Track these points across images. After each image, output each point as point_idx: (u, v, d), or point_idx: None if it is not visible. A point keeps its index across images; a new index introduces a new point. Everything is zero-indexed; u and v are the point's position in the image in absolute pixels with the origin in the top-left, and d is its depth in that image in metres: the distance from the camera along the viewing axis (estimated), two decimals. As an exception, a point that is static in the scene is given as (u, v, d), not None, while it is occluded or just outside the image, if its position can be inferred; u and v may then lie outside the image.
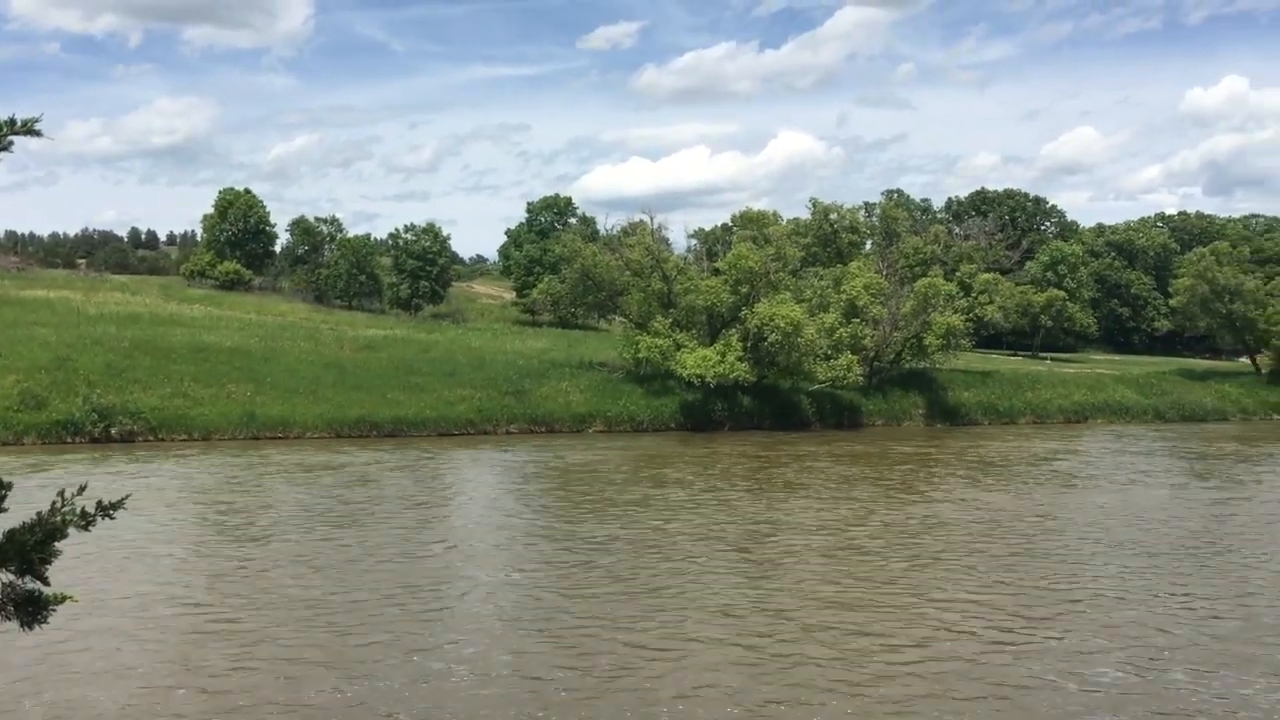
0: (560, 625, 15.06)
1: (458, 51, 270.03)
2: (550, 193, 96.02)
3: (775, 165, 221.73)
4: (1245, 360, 63.20)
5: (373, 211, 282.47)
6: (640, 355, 43.81)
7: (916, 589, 17.46)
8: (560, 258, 51.87)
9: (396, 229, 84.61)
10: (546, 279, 58.49)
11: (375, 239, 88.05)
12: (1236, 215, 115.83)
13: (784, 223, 64.41)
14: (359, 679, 12.85)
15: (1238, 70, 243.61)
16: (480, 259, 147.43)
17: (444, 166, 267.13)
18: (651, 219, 50.17)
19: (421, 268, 78.87)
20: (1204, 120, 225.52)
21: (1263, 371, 59.18)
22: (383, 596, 16.39)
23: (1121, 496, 27.54)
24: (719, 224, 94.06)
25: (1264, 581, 18.47)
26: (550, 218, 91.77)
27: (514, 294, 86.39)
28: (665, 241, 50.37)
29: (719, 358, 42.16)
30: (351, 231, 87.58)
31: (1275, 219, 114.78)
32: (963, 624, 15.41)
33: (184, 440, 33.93)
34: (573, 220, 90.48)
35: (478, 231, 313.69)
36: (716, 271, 48.69)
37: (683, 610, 15.96)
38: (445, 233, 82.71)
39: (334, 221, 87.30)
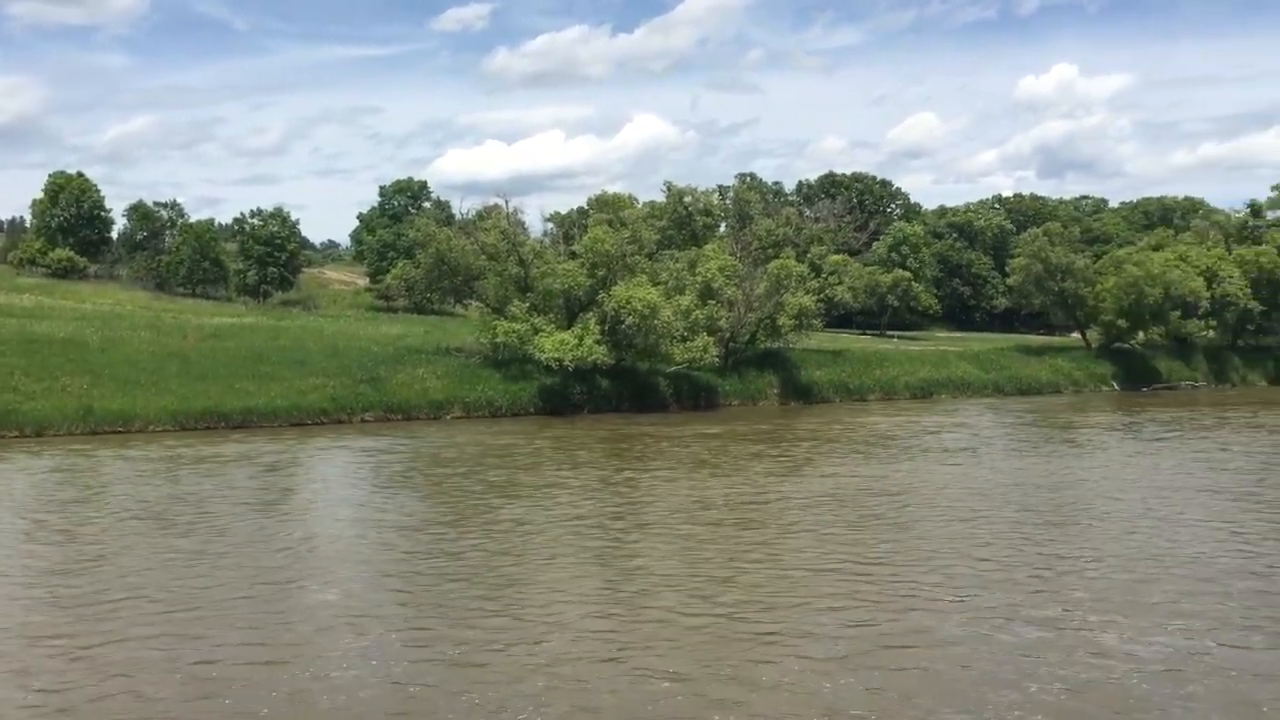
0: (418, 618, 14.89)
1: (304, 31, 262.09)
2: (404, 176, 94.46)
3: (630, 149, 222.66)
4: (1076, 335, 66.50)
5: (217, 196, 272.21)
6: (498, 340, 43.56)
7: (782, 557, 17.86)
8: (415, 242, 51.02)
9: (242, 214, 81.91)
10: (401, 264, 57.49)
11: (220, 224, 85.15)
12: (1068, 197, 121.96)
13: (640, 206, 64.81)
14: (203, 681, 12.47)
15: (1068, 59, 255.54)
16: (332, 244, 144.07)
17: (292, 149, 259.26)
18: (507, 202, 49.92)
19: (269, 253, 76.49)
20: (1037, 107, 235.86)
21: (1092, 346, 62.43)
22: (228, 597, 15.87)
23: (966, 468, 28.73)
24: (575, 207, 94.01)
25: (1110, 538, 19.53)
26: (404, 202, 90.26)
27: (368, 280, 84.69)
28: (521, 225, 50.15)
29: (577, 341, 42.24)
30: (194, 216, 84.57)
31: (1103, 200, 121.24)
32: (827, 589, 15.86)
33: (15, 436, 32.22)
34: (427, 204, 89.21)
35: (329, 216, 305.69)
36: (573, 255, 48.74)
37: (550, 594, 15.97)
38: (294, 217, 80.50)
39: (175, 206, 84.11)
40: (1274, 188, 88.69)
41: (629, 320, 42.48)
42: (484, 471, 27.68)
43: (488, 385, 42.18)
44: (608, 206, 62.07)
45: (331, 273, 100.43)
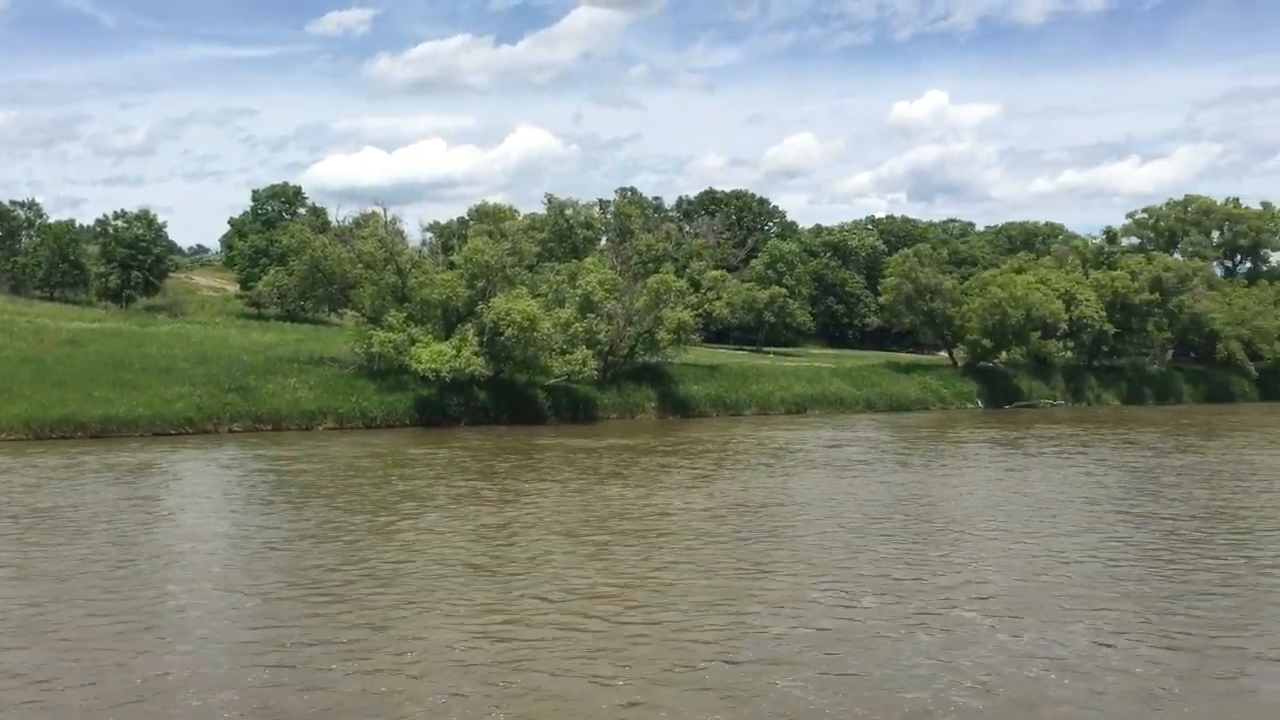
0: (289, 639, 14.48)
1: (175, 29, 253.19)
2: (278, 181, 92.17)
3: (512, 160, 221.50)
4: (944, 354, 68.58)
5: (79, 196, 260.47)
6: (373, 350, 42.82)
7: (667, 573, 17.92)
8: (288, 249, 49.78)
9: (105, 215, 78.60)
10: (273, 271, 56.03)
11: (81, 225, 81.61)
12: (937, 220, 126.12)
13: (520, 217, 64.62)
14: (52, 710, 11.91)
15: (939, 86, 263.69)
16: (201, 249, 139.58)
17: (161, 150, 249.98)
18: (385, 210, 49.17)
19: (133, 257, 73.59)
20: (909, 131, 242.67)
21: (958, 364, 64.50)
22: (82, 615, 15.20)
23: (849, 481, 29.30)
24: (455, 218, 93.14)
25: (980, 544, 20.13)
26: (278, 207, 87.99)
27: (238, 286, 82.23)
28: (400, 234, 49.47)
29: (454, 352, 41.81)
30: (53, 217, 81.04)
31: (970, 224, 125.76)
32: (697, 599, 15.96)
33: None
34: (302, 210, 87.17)
35: (198, 220, 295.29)
36: (452, 265, 48.29)
37: (427, 613, 15.71)
38: (161, 220, 77.67)
39: (33, 206, 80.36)
40: (1128, 215, 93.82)
41: (508, 332, 42.25)
42: (350, 483, 27.12)
43: (362, 396, 41.43)
44: (488, 217, 61.66)
45: (200, 278, 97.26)
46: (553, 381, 45.43)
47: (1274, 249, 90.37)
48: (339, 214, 55.84)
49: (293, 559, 18.79)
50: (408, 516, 22.80)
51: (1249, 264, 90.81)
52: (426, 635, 14.41)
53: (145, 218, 76.39)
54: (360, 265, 46.50)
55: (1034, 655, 13.85)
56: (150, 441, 34.32)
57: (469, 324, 44.03)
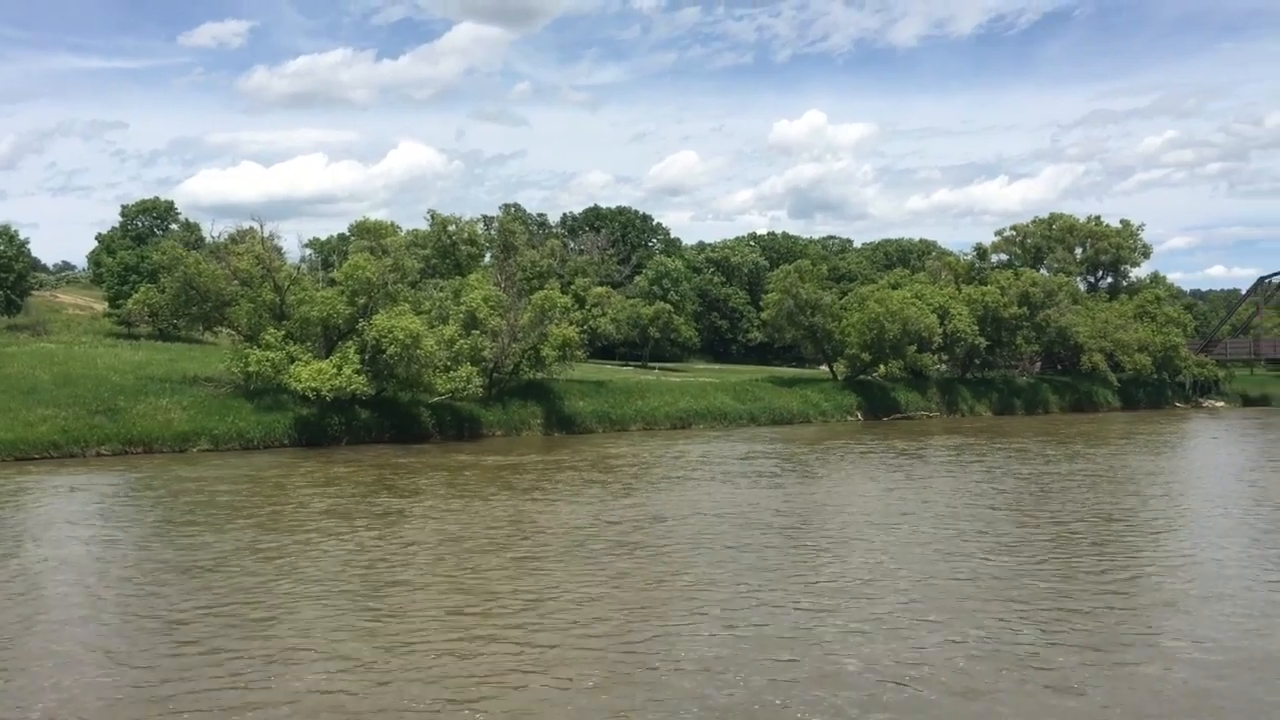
0: (154, 674, 14.03)
1: (41, 38, 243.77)
2: (150, 196, 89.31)
3: (395, 176, 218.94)
4: (824, 368, 70.00)
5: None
6: (250, 369, 41.74)
7: (534, 589, 17.86)
8: (160, 265, 48.20)
9: (-38, 231, 74.99)
10: (144, 288, 54.21)
11: (-65, 241, 77.59)
12: (816, 236, 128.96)
13: (403, 233, 63.90)
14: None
15: (818, 106, 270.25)
16: (67, 266, 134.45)
17: (24, 164, 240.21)
18: (262, 226, 47.97)
19: (-7, 274, 70.37)
20: (789, 150, 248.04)
21: (839, 378, 65.87)
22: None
23: (734, 493, 29.64)
24: (336, 234, 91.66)
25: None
26: (149, 222, 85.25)
27: (106, 304, 79.31)
28: (278, 250, 48.33)
29: (335, 371, 41.06)
30: (-95, 232, 76.78)
31: (848, 241, 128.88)
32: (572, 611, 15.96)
33: None
34: (174, 226, 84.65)
35: (65, 236, 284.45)
36: (333, 282, 47.44)
37: (296, 637, 15.38)
38: (24, 236, 74.44)
39: (-117, 221, 76.23)
40: (997, 233, 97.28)
41: (390, 350, 41.69)
42: (219, 506, 26.39)
43: (238, 416, 40.35)
44: (369, 233, 60.77)
45: (66, 296, 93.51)
46: (437, 399, 44.96)
47: (1133, 265, 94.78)
48: (214, 230, 54.16)
49: (148, 592, 18.18)
50: (285, 538, 22.27)
51: (1110, 279, 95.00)
52: (299, 675, 14.09)
53: (6, 233, 73.12)
54: (236, 282, 45.33)
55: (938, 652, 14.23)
56: (9, 466, 32.82)
57: (350, 342, 43.28)
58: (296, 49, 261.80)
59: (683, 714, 12.23)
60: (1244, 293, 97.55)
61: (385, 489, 30.08)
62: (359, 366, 41.66)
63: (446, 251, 62.46)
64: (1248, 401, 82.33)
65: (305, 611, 16.55)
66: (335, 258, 64.11)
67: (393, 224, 64.93)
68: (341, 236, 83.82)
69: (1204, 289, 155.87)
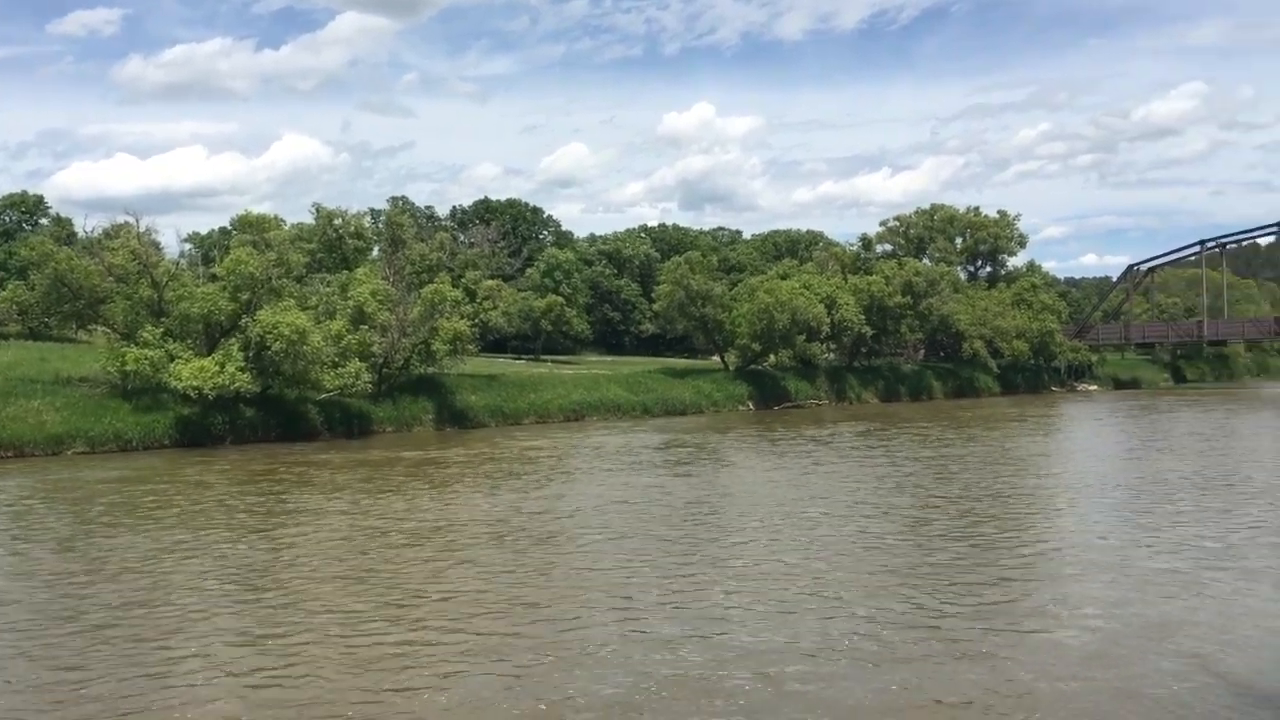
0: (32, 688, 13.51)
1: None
2: (17, 190, 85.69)
3: (279, 168, 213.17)
4: (716, 359, 70.74)
5: None
6: (128, 368, 40.31)
7: (427, 589, 17.69)
8: (29, 262, 46.25)
9: None
10: (12, 285, 51.99)
11: None
12: (706, 228, 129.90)
13: (287, 227, 62.55)
14: None
15: (707, 98, 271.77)
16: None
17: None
18: (138, 220, 46.36)
19: None
20: (679, 142, 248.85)
21: (730, 368, 66.64)
22: None
23: (615, 484, 29.74)
24: (217, 228, 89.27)
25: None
26: (17, 217, 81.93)
27: (-29, 303, 75.86)
28: (155, 245, 46.86)
29: (218, 368, 39.99)
30: None
31: (738, 232, 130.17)
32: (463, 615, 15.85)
33: None
34: (44, 220, 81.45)
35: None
36: (214, 277, 46.18)
37: (190, 650, 14.96)
38: (-122, 232, 70.86)
39: None
40: (881, 224, 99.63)
41: (275, 346, 40.75)
42: (95, 511, 25.51)
43: (116, 417, 38.99)
44: (252, 227, 59.31)
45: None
46: (325, 396, 44.14)
47: (1010, 254, 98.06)
48: (87, 224, 52.53)
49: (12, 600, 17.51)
50: (166, 541, 21.63)
51: (989, 268, 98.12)
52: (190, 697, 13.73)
53: None
54: (111, 279, 43.76)
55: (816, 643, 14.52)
56: None
57: (233, 339, 42.19)
58: (173, 38, 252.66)
59: (592, 698, 12.27)
60: (1115, 280, 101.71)
61: (269, 488, 29.42)
62: (243, 364, 40.64)
63: (333, 245, 61.36)
64: (1119, 385, 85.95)
65: (187, 619, 16.12)
66: (216, 252, 62.35)
67: (276, 217, 63.58)
68: (223, 231, 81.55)
69: (1077, 277, 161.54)
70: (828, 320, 66.52)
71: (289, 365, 41.44)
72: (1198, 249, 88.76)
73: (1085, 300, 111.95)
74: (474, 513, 25.19)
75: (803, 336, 65.41)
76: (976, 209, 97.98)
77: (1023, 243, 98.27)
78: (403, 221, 64.64)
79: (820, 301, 66.95)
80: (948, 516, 24.27)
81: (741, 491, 28.95)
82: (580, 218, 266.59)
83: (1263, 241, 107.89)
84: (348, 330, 45.87)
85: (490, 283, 64.72)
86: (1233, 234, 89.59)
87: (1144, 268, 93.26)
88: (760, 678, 13.05)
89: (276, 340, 40.64)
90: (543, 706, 12.20)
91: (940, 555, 20.05)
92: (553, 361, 75.50)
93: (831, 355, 72.65)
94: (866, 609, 16.14)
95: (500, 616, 16.00)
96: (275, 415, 42.69)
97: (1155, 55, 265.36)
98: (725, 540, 21.83)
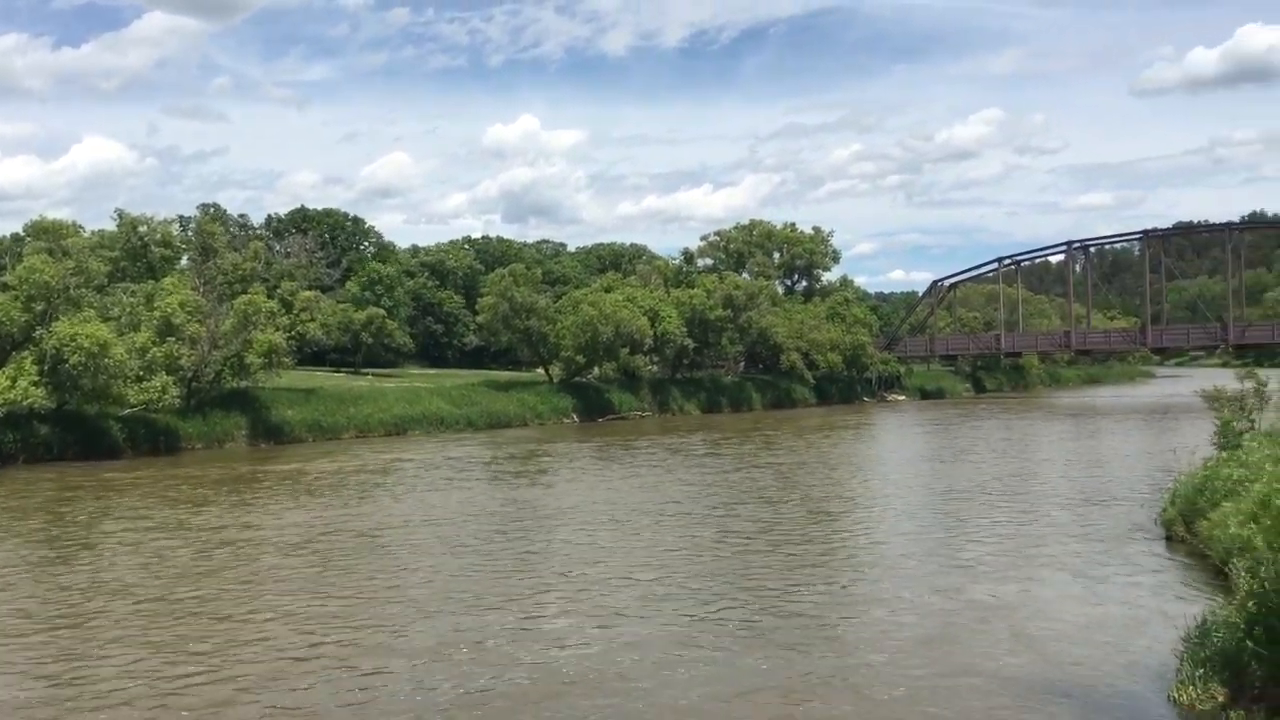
0: None
1: None
2: None
3: (79, 172, 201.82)
4: (540, 371, 70.63)
5: None
6: (-95, 383, 37.42)
7: (234, 610, 17.05)
8: None
9: None
10: None
11: None
12: (531, 240, 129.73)
13: (87, 234, 59.32)
14: None
15: (532, 111, 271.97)
16: None
17: None
18: (-83, 225, 43.11)
19: None
20: (503, 154, 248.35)
21: (554, 380, 66.66)
22: None
23: (437, 499, 29.32)
24: (9, 234, 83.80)
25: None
26: None
27: None
28: (-64, 251, 43.67)
29: (9, 383, 37.59)
30: None
31: (562, 245, 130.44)
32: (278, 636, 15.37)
33: None
34: None
35: None
36: (5, 286, 43.34)
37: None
38: None
39: None
40: (702, 238, 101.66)
41: (74, 359, 38.53)
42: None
43: (-109, 436, 36.13)
44: (48, 234, 55.93)
45: None
46: (129, 412, 41.98)
47: (824, 269, 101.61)
48: None
49: None
50: (-48, 570, 20.16)
51: (805, 283, 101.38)
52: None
53: None
54: (-115, 287, 40.58)
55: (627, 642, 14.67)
56: None
57: (27, 351, 39.71)
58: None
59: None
60: (920, 295, 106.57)
61: (59, 513, 27.79)
62: (36, 378, 38.31)
63: (137, 254, 58.43)
64: (925, 395, 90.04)
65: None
66: (8, 260, 58.57)
67: (75, 224, 60.18)
68: (15, 237, 76.54)
69: (886, 291, 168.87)
70: (651, 333, 67.36)
71: (89, 379, 39.26)
72: (995, 266, 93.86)
73: (894, 314, 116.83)
74: (280, 532, 24.41)
75: (626, 349, 66.03)
76: (793, 225, 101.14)
77: (836, 258, 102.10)
78: (214, 230, 61.99)
79: (643, 314, 67.74)
80: (781, 519, 25.31)
81: (564, 503, 28.98)
82: (402, 228, 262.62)
83: (1053, 259, 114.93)
84: (154, 342, 43.79)
85: (307, 294, 62.94)
86: (1026, 252, 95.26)
87: (947, 283, 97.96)
88: (595, 673, 13.13)
89: (75, 353, 38.46)
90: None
91: (778, 554, 21.01)
92: (374, 375, 73.79)
93: (654, 368, 73.60)
94: (710, 607, 16.78)
95: (308, 632, 15.59)
96: (73, 432, 40.34)
97: (957, 82, 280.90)
98: (561, 550, 21.85)
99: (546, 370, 68.48)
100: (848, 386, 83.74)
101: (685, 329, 70.80)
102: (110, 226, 61.68)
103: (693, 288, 77.28)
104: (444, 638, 15.35)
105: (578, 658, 14.22)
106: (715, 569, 19.79)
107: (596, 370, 67.75)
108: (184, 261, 61.80)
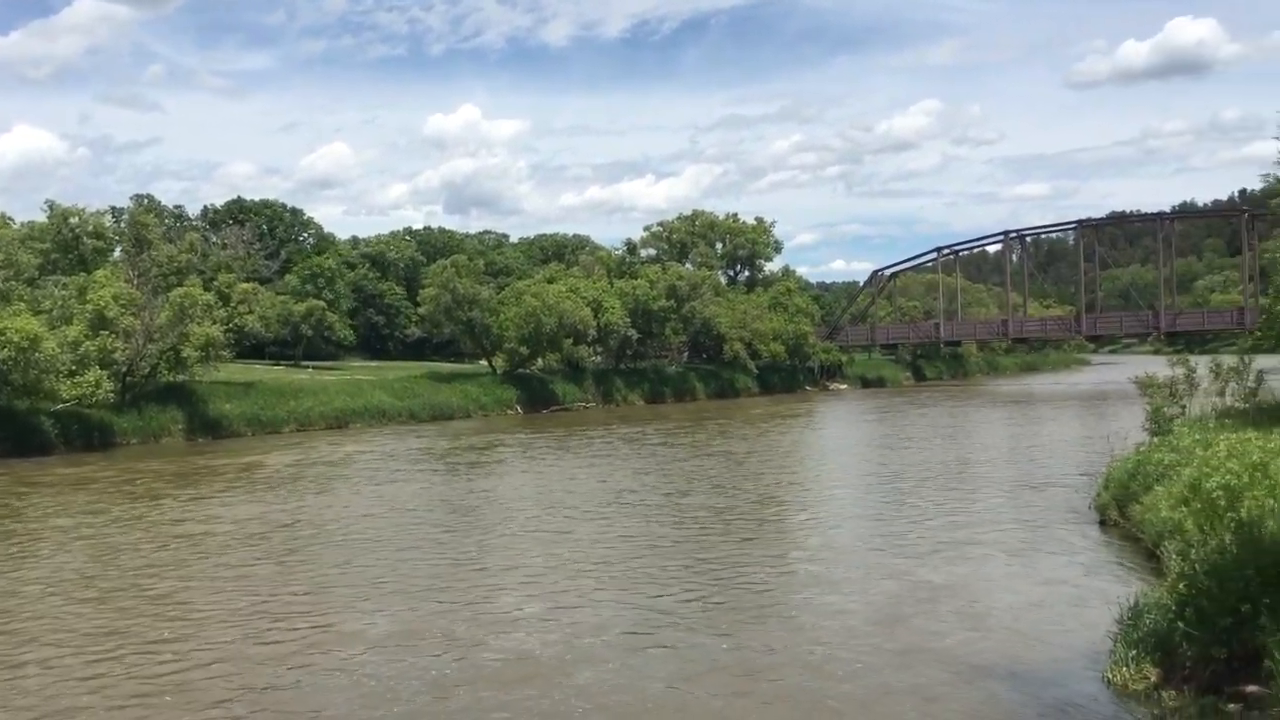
0: None
1: None
2: None
3: (8, 162, 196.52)
4: (484, 363, 70.29)
5: None
6: None
7: (189, 606, 16.79)
8: None
9: None
10: None
11: None
12: (473, 231, 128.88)
13: (16, 226, 57.89)
14: None
15: (473, 101, 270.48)
16: None
17: None
18: None
19: None
20: (444, 144, 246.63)
21: (498, 372, 66.40)
22: None
23: (381, 492, 29.08)
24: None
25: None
26: None
27: None
28: None
29: (-65, 379, 36.62)
30: None
31: (504, 236, 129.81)
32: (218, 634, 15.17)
33: None
34: None
35: None
36: (-71, 280, 42.27)
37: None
38: None
39: None
40: (645, 229, 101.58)
41: (3, 354, 37.68)
42: None
43: None
44: (-25, 226, 54.49)
45: None
46: (61, 407, 41.11)
47: (767, 259, 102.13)
48: None
49: None
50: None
51: (747, 273, 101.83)
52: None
53: None
54: None
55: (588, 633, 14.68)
56: None
57: (-47, 346, 38.71)
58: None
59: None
60: (861, 284, 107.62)
61: (9, 513, 27.17)
62: (-35, 374, 37.37)
63: (68, 246, 57.10)
64: (866, 383, 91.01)
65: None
66: (-68, 252, 56.93)
67: (4, 215, 58.64)
68: (-60, 229, 74.41)
69: (828, 281, 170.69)
70: (594, 323, 67.34)
71: (19, 374, 38.43)
72: (935, 255, 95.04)
73: (835, 304, 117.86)
74: (218, 526, 24.07)
75: (570, 340, 65.96)
76: (735, 215, 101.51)
77: (778, 248, 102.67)
78: (148, 221, 60.71)
79: (587, 305, 67.70)
80: (731, 506, 25.53)
81: (516, 492, 28.91)
82: (342, 219, 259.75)
83: (991, 249, 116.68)
84: (86, 336, 42.89)
85: (245, 286, 62.02)
86: (965, 242, 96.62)
87: (887, 273, 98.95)
88: (559, 658, 13.12)
89: (4, 347, 37.62)
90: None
91: (732, 540, 21.26)
92: (314, 367, 72.97)
93: (598, 358, 73.55)
94: (669, 590, 17.07)
95: (237, 626, 15.39)
96: (3, 428, 39.40)
97: (896, 73, 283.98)
98: (505, 546, 21.77)
99: (490, 362, 68.15)
100: (790, 375, 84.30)
101: (629, 319, 70.84)
102: (41, 218, 60.19)
103: (636, 278, 77.33)
104: (408, 625, 15.32)
105: (543, 643, 14.29)
106: (672, 554, 19.94)
107: (540, 361, 67.56)
108: (117, 254, 60.49)
